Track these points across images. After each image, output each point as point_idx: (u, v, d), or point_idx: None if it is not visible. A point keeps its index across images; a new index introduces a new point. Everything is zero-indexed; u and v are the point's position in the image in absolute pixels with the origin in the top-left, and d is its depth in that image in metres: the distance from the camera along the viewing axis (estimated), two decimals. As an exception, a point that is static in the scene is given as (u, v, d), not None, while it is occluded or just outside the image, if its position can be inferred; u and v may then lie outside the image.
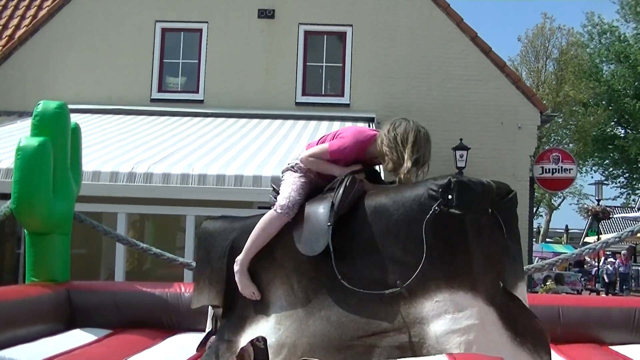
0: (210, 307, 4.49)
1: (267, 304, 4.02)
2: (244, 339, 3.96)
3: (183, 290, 5.85)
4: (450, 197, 3.62)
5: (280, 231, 4.05)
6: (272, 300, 4.01)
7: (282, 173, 4.37)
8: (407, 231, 3.67)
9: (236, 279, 4.13)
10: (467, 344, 3.47)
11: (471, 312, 3.51)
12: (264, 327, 3.96)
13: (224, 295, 4.24)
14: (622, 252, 32.27)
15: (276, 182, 4.47)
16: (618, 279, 29.21)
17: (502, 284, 3.72)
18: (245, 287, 4.10)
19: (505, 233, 3.79)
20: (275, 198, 4.23)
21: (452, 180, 3.66)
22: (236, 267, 4.14)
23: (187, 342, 5.24)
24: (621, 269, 29.40)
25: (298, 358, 3.76)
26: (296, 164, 4.26)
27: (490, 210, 3.71)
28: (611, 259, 30.44)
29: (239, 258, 4.14)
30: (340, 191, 3.87)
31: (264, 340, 3.84)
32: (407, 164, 3.90)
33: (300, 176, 4.22)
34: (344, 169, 4.10)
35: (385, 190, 3.95)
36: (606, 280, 28.96)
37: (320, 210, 3.92)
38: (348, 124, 14.53)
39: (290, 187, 4.16)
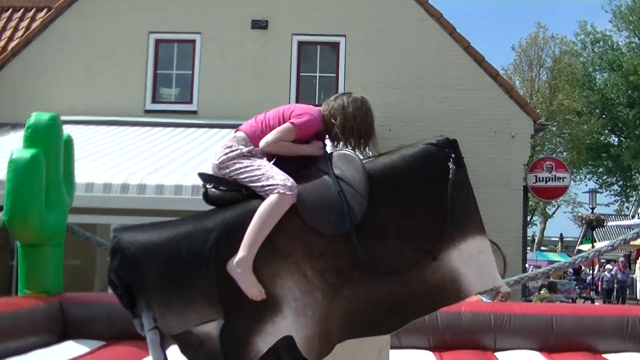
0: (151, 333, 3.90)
1: (277, 300, 3.64)
2: (261, 344, 3.62)
3: (176, 301, 5.82)
4: (453, 155, 3.92)
5: (281, 220, 3.71)
6: (281, 295, 3.64)
7: (221, 166, 4.02)
8: (426, 190, 3.85)
9: (240, 282, 3.62)
10: (494, 279, 3.94)
11: (488, 251, 3.92)
12: (283, 325, 3.63)
13: (222, 307, 3.68)
14: (620, 259, 32.10)
15: (206, 177, 4.09)
16: (616, 286, 28.79)
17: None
18: (252, 287, 3.63)
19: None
20: (218, 191, 3.96)
21: (451, 139, 4.00)
22: (238, 270, 3.64)
23: (181, 355, 5.23)
24: (619, 276, 29.00)
25: (337, 342, 3.68)
26: (239, 151, 4.00)
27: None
28: (609, 266, 30.16)
29: (240, 258, 3.65)
30: (357, 165, 3.81)
31: (290, 338, 3.60)
32: (366, 134, 4.06)
33: (260, 159, 3.98)
34: (314, 147, 4.03)
35: (384, 156, 3.97)
36: (604, 287, 28.73)
37: (328, 186, 3.76)
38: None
39: (266, 169, 3.88)
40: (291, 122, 3.96)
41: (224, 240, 3.70)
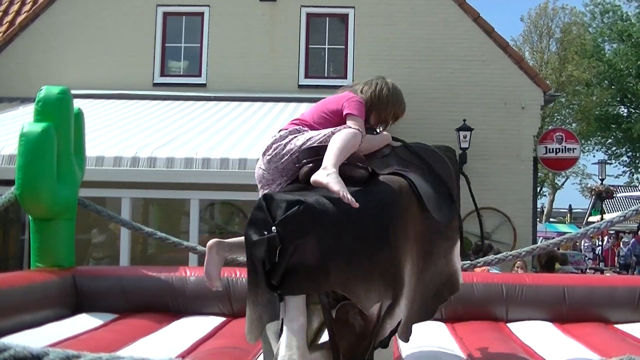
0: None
1: (404, 283, 3.49)
2: (389, 326, 3.44)
3: (189, 274, 5.85)
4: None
5: (409, 204, 3.59)
6: (406, 278, 3.51)
7: (283, 140, 3.73)
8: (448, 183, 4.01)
9: (331, 185, 3.22)
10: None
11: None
12: (402, 308, 3.51)
13: (392, 290, 3.41)
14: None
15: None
16: (634, 259, 26.47)
17: None
18: (339, 186, 3.22)
19: None
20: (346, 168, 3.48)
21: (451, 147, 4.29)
22: (327, 172, 3.30)
23: (194, 326, 5.25)
24: (638, 249, 26.48)
25: (411, 325, 3.78)
26: (299, 129, 3.78)
27: None
28: (625, 240, 28.93)
29: (329, 163, 3.36)
30: (447, 165, 4.04)
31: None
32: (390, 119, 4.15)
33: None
34: (385, 137, 4.03)
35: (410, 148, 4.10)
36: (621, 262, 27.23)
37: (426, 176, 3.86)
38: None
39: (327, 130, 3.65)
40: (354, 114, 3.76)
41: (395, 217, 3.47)
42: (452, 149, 4.35)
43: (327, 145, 3.50)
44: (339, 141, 3.49)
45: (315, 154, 3.54)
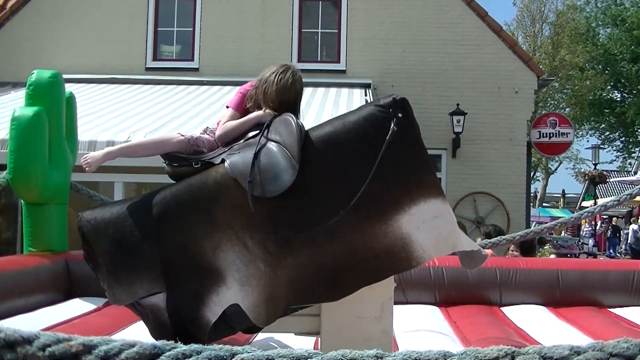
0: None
1: (220, 272, 3.68)
2: (209, 314, 3.68)
3: (181, 258, 5.82)
4: (400, 114, 3.64)
5: (218, 193, 3.71)
6: (224, 266, 3.67)
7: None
8: (367, 154, 3.64)
9: (96, 157, 3.95)
10: (454, 244, 3.70)
11: (446, 214, 3.67)
12: (228, 295, 3.66)
13: (166, 278, 3.77)
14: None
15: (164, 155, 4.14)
16: None
17: None
18: (96, 162, 3.94)
19: None
20: (170, 167, 4.09)
21: (398, 98, 3.68)
22: (105, 151, 4.00)
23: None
24: None
25: (286, 308, 3.66)
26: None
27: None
28: (634, 226, 27.31)
29: (110, 149, 4.03)
30: (292, 128, 3.69)
31: (237, 307, 3.64)
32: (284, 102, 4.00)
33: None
34: (258, 114, 3.97)
35: (330, 121, 3.85)
36: (635, 247, 25.15)
37: (272, 148, 3.68)
38: (344, 90, 14.49)
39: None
40: (226, 106, 4.12)
41: (163, 214, 3.79)
42: (395, 101, 3.72)
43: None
44: (140, 142, 4.24)
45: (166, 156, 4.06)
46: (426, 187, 3.67)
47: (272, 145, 3.69)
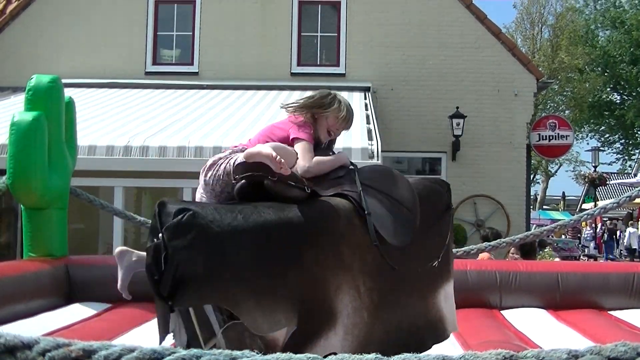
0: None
1: (335, 315, 3.35)
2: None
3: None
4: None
5: (348, 230, 3.44)
6: (339, 309, 3.35)
7: (220, 160, 3.54)
8: (433, 224, 3.84)
9: (263, 150, 3.26)
10: (455, 324, 4.01)
11: (452, 295, 4.00)
12: (334, 342, 3.32)
13: (298, 314, 3.22)
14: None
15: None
16: None
17: None
18: (270, 150, 3.27)
19: None
20: (274, 185, 3.34)
21: (445, 181, 4.07)
22: (268, 148, 3.29)
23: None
24: None
25: None
26: (242, 148, 3.58)
27: None
28: (630, 229, 26.97)
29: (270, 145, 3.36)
30: (406, 183, 3.73)
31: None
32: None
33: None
34: (341, 157, 3.87)
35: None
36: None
37: (383, 200, 3.59)
38: (344, 94, 14.46)
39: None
40: (301, 138, 3.73)
41: (303, 240, 3.29)
42: (446, 183, 4.03)
43: (261, 163, 3.29)
44: (272, 145, 3.39)
45: (249, 169, 3.35)
46: (451, 267, 4.03)
47: (380, 197, 3.63)
